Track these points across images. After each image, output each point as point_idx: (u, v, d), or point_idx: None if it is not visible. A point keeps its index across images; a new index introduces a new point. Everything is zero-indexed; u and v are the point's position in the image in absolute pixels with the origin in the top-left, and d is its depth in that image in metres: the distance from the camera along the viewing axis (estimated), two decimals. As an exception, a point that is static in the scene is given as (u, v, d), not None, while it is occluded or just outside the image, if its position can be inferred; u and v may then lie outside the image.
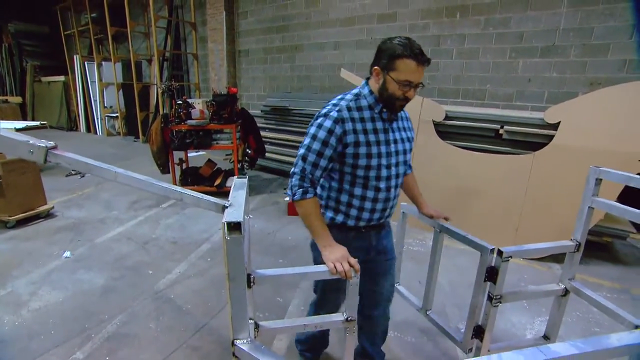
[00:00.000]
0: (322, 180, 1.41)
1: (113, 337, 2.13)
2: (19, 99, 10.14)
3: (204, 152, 6.38)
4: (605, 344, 0.82)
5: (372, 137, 1.30)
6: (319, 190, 1.42)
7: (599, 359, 0.83)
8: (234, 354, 0.98)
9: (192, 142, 4.51)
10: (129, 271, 2.87)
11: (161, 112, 7.81)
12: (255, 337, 1.12)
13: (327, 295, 1.56)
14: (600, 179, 1.55)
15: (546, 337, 1.85)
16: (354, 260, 1.19)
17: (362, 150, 1.29)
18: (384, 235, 1.52)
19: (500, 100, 4.59)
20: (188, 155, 5.18)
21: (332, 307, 1.55)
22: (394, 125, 1.38)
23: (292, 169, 1.30)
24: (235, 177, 1.10)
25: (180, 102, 4.53)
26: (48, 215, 3.95)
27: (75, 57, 9.57)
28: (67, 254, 3.12)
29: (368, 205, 1.36)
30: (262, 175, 5.66)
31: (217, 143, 4.69)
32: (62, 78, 10.37)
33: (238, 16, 7.36)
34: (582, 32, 3.96)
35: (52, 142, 0.83)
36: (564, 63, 4.12)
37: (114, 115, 9.40)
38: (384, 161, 1.33)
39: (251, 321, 1.15)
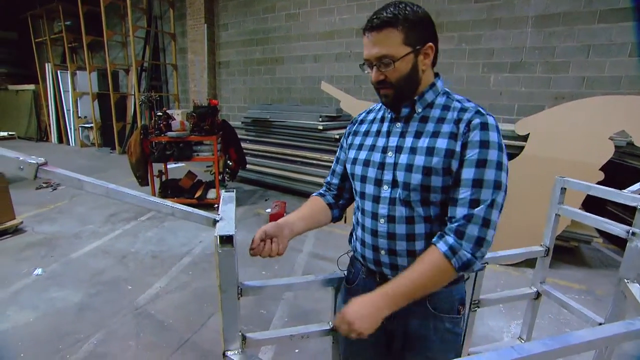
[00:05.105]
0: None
1: (89, 358, 2.06)
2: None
3: (183, 164, 6.29)
4: (570, 341, 0.89)
5: (368, 140, 1.02)
6: None
7: (566, 354, 0.90)
8: (224, 366, 0.99)
9: (172, 153, 4.45)
10: (107, 287, 2.78)
11: (139, 123, 7.66)
12: (242, 349, 1.13)
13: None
14: (565, 188, 1.66)
15: (521, 339, 1.95)
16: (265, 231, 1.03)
17: (351, 154, 1.06)
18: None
19: (473, 112, 4.85)
20: (168, 167, 5.10)
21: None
22: (411, 127, 0.94)
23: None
24: (224, 191, 1.12)
25: (160, 113, 4.48)
26: (16, 230, 3.77)
27: (47, 65, 9.27)
28: (39, 271, 2.99)
29: (359, 232, 1.05)
30: (243, 187, 5.63)
31: (198, 155, 4.67)
32: (31, 87, 10.00)
33: (219, 28, 7.40)
34: (545, 50, 4.25)
35: (42, 158, 0.83)
36: (531, 78, 4.40)
37: (89, 125, 9.12)
38: (370, 173, 0.97)
39: (238, 333, 1.15)
